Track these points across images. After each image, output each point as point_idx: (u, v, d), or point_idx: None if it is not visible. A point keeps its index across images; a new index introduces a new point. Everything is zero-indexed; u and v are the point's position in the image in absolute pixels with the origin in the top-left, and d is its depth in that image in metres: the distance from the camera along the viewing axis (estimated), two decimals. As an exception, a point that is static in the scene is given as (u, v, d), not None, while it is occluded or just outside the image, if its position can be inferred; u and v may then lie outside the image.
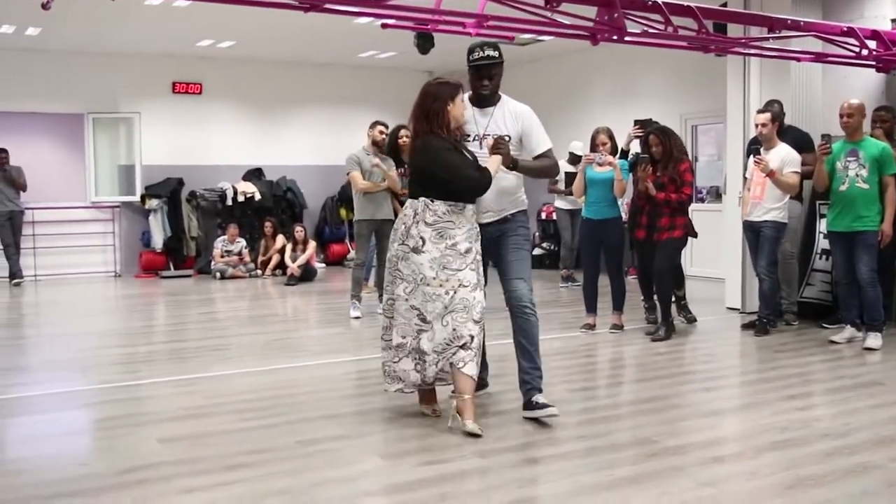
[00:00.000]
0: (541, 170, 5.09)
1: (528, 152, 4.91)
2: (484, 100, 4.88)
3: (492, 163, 4.63)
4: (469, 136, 4.81)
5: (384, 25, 5.86)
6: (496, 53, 4.82)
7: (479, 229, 4.71)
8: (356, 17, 5.66)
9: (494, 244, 4.87)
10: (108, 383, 5.99)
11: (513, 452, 4.21)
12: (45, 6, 4.96)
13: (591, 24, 6.22)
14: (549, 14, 5.97)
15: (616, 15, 6.08)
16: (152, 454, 4.33)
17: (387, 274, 4.78)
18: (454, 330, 4.51)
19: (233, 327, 8.66)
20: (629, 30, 6.20)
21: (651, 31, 6.33)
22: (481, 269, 4.70)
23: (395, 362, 4.72)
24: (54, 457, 4.35)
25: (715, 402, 5.27)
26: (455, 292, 4.51)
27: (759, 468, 3.99)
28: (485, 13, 5.77)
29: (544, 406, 4.66)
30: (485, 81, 4.81)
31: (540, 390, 4.75)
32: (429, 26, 5.91)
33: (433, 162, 4.59)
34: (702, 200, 12.11)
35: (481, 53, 4.80)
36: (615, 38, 6.21)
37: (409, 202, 4.71)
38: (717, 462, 4.07)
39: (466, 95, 4.86)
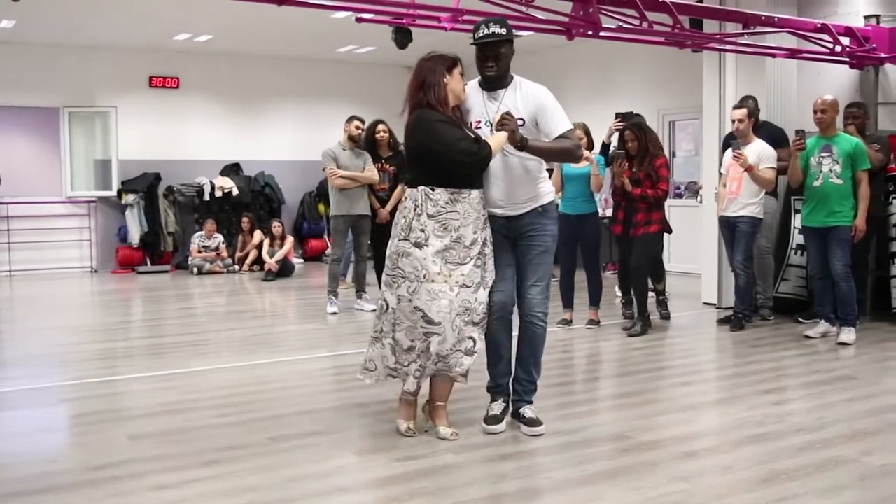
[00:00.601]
0: (558, 151, 4.45)
1: (545, 136, 4.36)
2: (492, 82, 4.39)
3: (495, 140, 4.20)
4: (479, 122, 4.39)
5: (359, 19, 5.84)
6: (503, 30, 4.31)
7: (487, 218, 4.34)
8: (330, 10, 5.61)
9: (511, 244, 4.45)
10: (83, 379, 5.95)
11: (487, 448, 4.21)
12: (15, -2, 4.91)
13: (566, 18, 6.23)
14: (524, 9, 5.98)
15: (591, 10, 6.11)
16: (124, 450, 4.29)
17: (386, 272, 4.33)
18: (459, 332, 4.23)
19: (210, 323, 8.62)
20: (604, 25, 6.22)
21: (626, 26, 6.34)
22: (491, 263, 4.34)
23: (394, 364, 4.35)
24: (26, 453, 4.30)
25: (690, 396, 5.29)
26: (459, 291, 4.18)
27: (734, 462, 4.00)
28: (460, 7, 5.76)
29: (532, 423, 4.42)
30: (489, 63, 4.32)
31: (530, 402, 4.54)
32: (404, 20, 5.89)
33: (426, 135, 4.19)
34: (679, 196, 12.16)
35: (486, 31, 4.31)
36: (590, 32, 6.22)
37: (408, 192, 4.30)
38: (691, 457, 4.08)
39: (476, 81, 4.45)
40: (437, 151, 4.18)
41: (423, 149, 4.25)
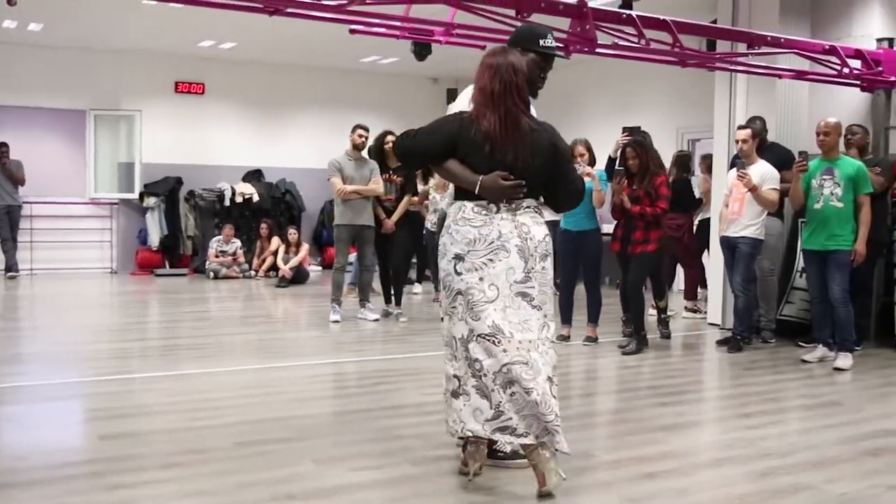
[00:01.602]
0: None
1: None
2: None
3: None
4: None
5: (352, 31, 5.88)
6: None
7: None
8: (320, 21, 5.67)
9: None
10: (71, 378, 6.06)
11: (446, 462, 4.20)
12: (10, 2, 5.02)
13: (563, 35, 6.22)
14: (518, 24, 5.98)
15: (588, 27, 6.09)
16: (90, 450, 4.37)
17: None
18: None
19: (213, 327, 8.71)
20: (601, 41, 6.21)
21: (623, 43, 6.32)
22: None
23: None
24: (-5, 450, 4.39)
25: (666, 417, 5.24)
26: None
27: (690, 485, 3.96)
28: (453, 21, 5.79)
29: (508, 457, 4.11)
30: (545, 75, 4.08)
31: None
32: (397, 33, 5.92)
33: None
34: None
35: (553, 42, 4.04)
36: (586, 49, 6.21)
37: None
38: (649, 478, 4.04)
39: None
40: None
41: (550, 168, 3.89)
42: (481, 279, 3.70)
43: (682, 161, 9.71)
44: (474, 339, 3.69)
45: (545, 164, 3.81)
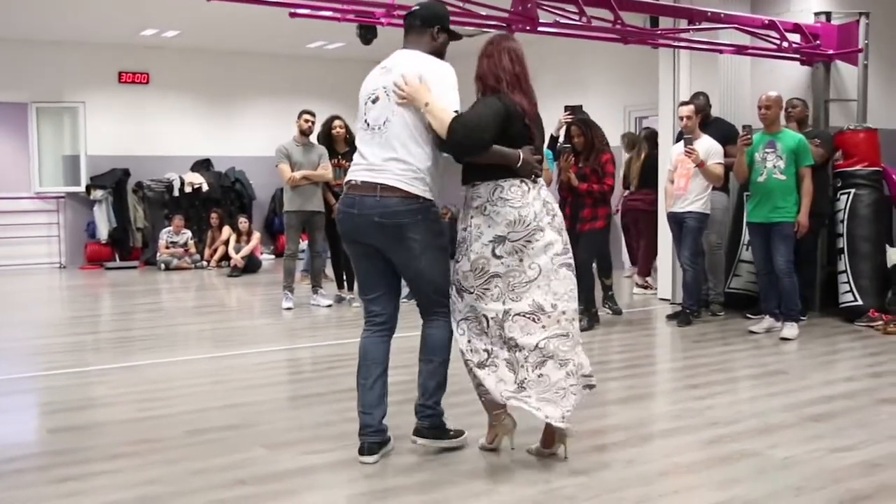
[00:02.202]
0: None
1: None
2: None
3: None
4: None
5: (292, 14, 5.84)
6: None
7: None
8: (259, 4, 5.61)
9: None
10: (21, 373, 5.98)
11: (398, 442, 4.20)
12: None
13: (505, 14, 6.24)
14: (461, 4, 5.99)
15: (529, 5, 6.11)
16: (38, 444, 4.34)
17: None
18: None
19: (165, 318, 8.63)
20: (542, 20, 6.23)
21: (565, 21, 6.36)
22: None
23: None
24: (-62, 447, 4.32)
25: (617, 391, 5.30)
26: None
27: (638, 456, 4.02)
28: (394, 2, 5.77)
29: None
30: None
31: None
32: (339, 16, 5.89)
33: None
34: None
35: None
36: (528, 28, 6.22)
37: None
38: (598, 451, 4.09)
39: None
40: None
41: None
42: (521, 261, 3.78)
43: (653, 138, 9.79)
44: (511, 318, 3.78)
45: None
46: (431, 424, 4.05)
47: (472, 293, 3.86)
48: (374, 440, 3.94)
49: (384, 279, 3.99)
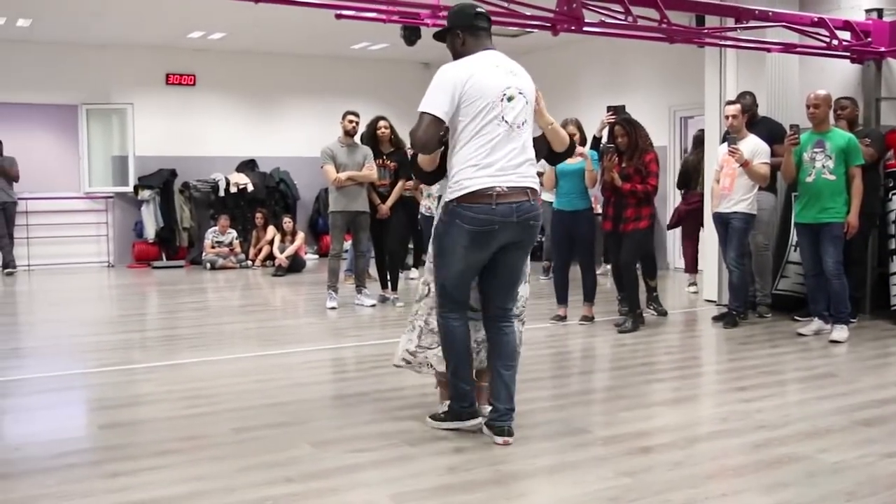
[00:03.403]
0: None
1: None
2: None
3: None
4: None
5: (338, 16, 5.88)
6: None
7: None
8: (306, 7, 5.66)
9: None
10: (70, 371, 6.08)
11: (443, 441, 4.22)
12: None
13: (550, 14, 6.22)
14: (506, 4, 5.99)
15: (574, 5, 6.09)
16: (89, 439, 4.40)
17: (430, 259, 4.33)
18: None
19: (210, 317, 8.73)
20: (588, 20, 6.20)
21: (610, 21, 6.32)
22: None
23: (413, 348, 4.50)
24: (-7, 442, 4.41)
25: (662, 392, 5.27)
26: None
27: (685, 458, 3.98)
28: (439, 3, 5.78)
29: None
30: None
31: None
32: (384, 17, 5.92)
33: None
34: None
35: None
36: (573, 28, 6.20)
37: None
38: (644, 452, 4.06)
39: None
40: None
41: None
42: None
43: (702, 139, 9.68)
44: None
45: None
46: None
47: None
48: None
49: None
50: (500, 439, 4.11)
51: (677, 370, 5.97)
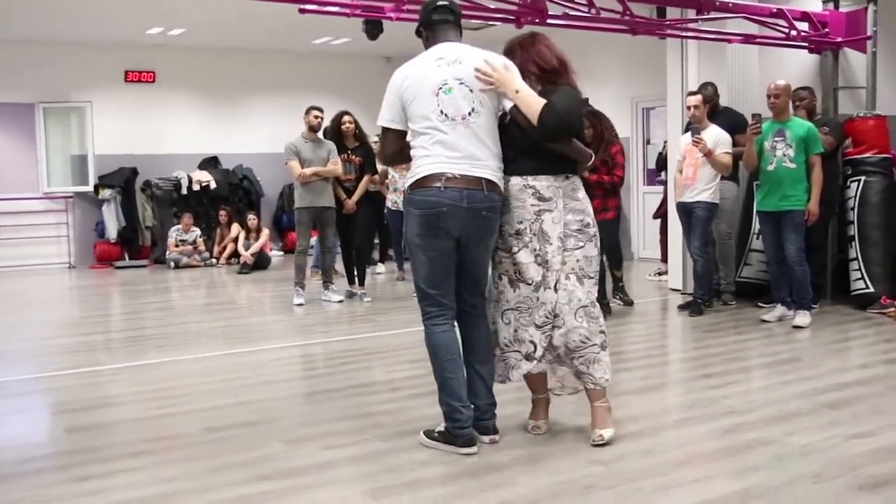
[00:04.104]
0: None
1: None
2: None
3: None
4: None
5: (301, 10, 5.85)
6: None
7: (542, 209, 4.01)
8: (267, 1, 5.62)
9: None
10: (35, 374, 5.99)
11: (416, 436, 4.21)
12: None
13: (514, 7, 6.24)
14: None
15: (537, -2, 6.10)
16: (56, 443, 4.35)
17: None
18: (516, 331, 4.13)
19: (176, 316, 8.66)
20: (551, 12, 6.23)
21: (573, 13, 6.35)
22: (556, 260, 4.00)
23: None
24: (-42, 448, 4.34)
25: (630, 382, 5.31)
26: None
27: (655, 446, 4.03)
28: (403, -3, 5.77)
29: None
30: None
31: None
32: (348, 11, 5.89)
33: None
34: (662, 183, 12.14)
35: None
36: (537, 21, 6.22)
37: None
38: (615, 441, 4.10)
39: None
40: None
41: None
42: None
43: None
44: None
45: None
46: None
47: (530, 284, 3.95)
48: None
49: (453, 272, 4.01)
50: (486, 438, 4.05)
51: (644, 359, 6.02)
